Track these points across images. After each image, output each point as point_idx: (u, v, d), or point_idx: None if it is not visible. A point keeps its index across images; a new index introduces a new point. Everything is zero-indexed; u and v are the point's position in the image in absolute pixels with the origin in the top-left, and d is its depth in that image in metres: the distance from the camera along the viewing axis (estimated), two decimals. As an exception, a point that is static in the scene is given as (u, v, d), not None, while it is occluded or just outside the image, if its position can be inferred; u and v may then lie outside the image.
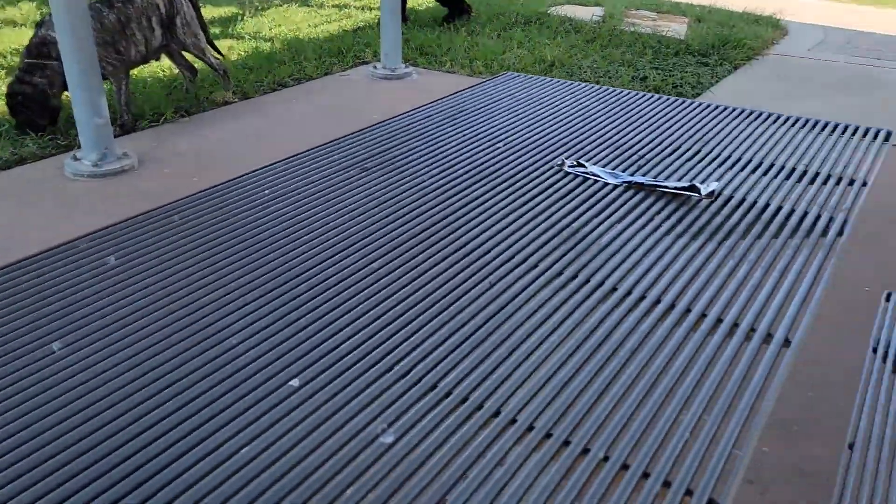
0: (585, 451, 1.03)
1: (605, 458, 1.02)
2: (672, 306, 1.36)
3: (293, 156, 2.00)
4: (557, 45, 5.46)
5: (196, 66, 4.29)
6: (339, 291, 1.39)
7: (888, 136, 2.10)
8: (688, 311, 1.35)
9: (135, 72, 4.57)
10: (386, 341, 1.24)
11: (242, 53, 5.13)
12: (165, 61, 4.38)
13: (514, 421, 1.08)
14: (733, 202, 1.75)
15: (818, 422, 2.12)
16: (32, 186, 3.30)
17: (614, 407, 1.11)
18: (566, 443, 1.04)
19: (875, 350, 2.08)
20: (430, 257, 1.51)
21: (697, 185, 1.76)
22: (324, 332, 1.27)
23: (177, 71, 4.34)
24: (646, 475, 0.99)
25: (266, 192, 1.79)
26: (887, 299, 2.28)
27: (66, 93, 3.61)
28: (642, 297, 1.38)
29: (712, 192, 1.74)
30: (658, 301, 1.38)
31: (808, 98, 4.72)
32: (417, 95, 5.03)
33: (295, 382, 1.17)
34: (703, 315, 1.34)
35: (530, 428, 1.07)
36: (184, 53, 4.19)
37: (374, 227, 1.63)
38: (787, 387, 1.17)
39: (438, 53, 5.35)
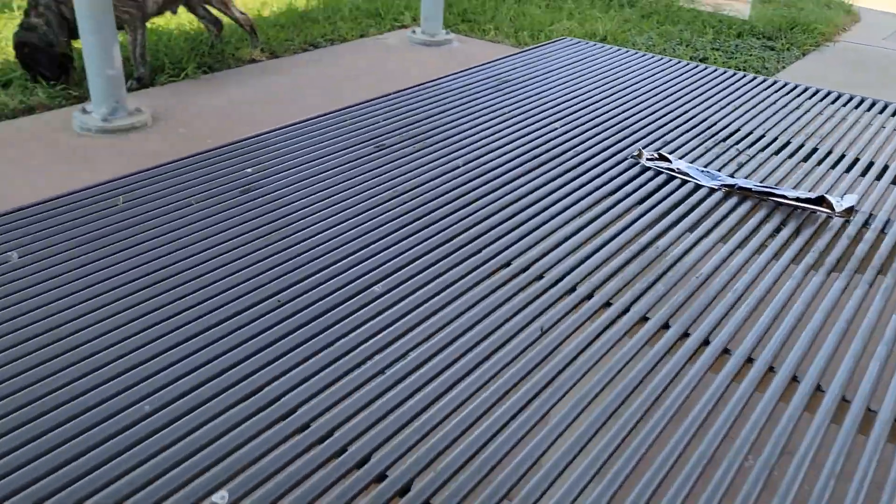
0: None
1: None
2: (820, 388, 0.85)
3: (296, 123, 1.50)
4: (610, 19, 4.87)
5: (222, 21, 3.83)
6: (332, 321, 0.90)
7: None
8: (844, 399, 0.84)
9: (160, 23, 4.11)
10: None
11: (275, 10, 4.63)
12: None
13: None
14: (876, 224, 1.22)
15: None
16: (33, 138, 2.89)
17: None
18: None
19: None
20: (457, 279, 1.01)
21: (829, 197, 1.22)
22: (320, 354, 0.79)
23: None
24: None
25: (249, 170, 1.29)
26: None
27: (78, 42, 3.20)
28: (770, 369, 0.88)
29: (851, 208, 1.20)
30: (795, 378, 0.87)
31: (888, 91, 4.08)
32: (457, 64, 4.49)
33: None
34: (871, 410, 0.83)
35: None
36: (207, 7, 3.73)
37: (380, 232, 1.13)
38: None
39: (482, 21, 4.79)
